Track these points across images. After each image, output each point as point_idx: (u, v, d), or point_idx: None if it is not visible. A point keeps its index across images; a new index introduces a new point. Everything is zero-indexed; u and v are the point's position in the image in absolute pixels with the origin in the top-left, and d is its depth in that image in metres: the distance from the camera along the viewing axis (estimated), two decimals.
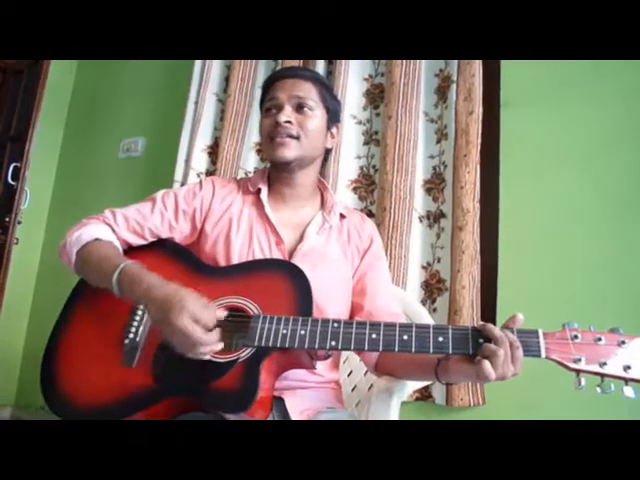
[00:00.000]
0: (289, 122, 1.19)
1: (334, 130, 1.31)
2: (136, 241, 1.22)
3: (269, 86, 1.27)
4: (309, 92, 1.23)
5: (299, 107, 1.22)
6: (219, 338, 0.98)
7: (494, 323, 0.91)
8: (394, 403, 1.21)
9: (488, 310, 1.79)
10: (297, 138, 1.20)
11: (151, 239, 1.23)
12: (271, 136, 1.21)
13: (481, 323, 0.94)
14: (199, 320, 0.95)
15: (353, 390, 1.49)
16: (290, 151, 1.20)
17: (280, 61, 2.29)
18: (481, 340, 0.91)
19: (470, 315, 1.74)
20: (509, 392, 1.66)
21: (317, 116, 1.24)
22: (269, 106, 1.23)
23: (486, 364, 0.88)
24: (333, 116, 1.29)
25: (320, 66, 2.18)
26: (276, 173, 1.28)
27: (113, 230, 1.21)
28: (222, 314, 1.01)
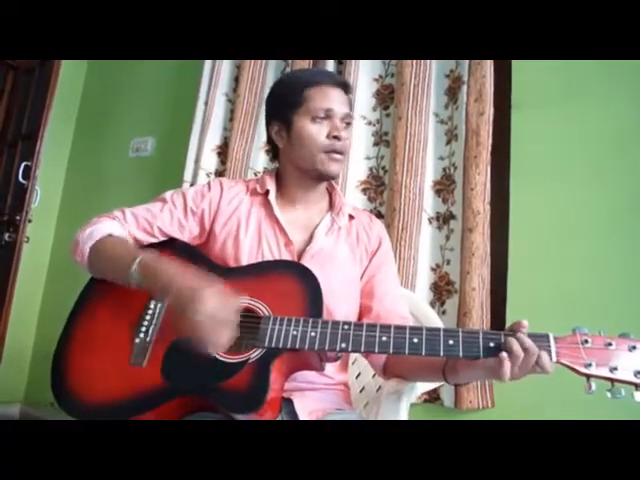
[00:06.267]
0: (346, 139, 1.20)
1: None
2: (146, 239, 1.22)
3: (312, 88, 1.22)
4: (349, 106, 1.25)
5: (344, 122, 1.21)
6: (236, 334, 0.98)
7: (504, 325, 0.91)
8: (403, 405, 1.20)
9: (498, 312, 1.79)
10: (344, 154, 1.22)
11: (161, 237, 1.23)
12: (326, 149, 1.19)
13: (511, 331, 0.93)
14: (217, 316, 0.95)
15: (361, 392, 1.49)
16: (340, 167, 1.23)
17: (290, 62, 2.29)
18: (492, 344, 0.91)
19: (480, 317, 1.73)
20: (518, 395, 1.65)
21: (351, 130, 1.26)
22: (321, 114, 1.19)
23: (507, 363, 0.88)
24: None
25: (330, 66, 2.18)
26: (295, 179, 1.26)
27: (123, 227, 1.21)
28: (243, 301, 1.00)
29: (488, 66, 1.88)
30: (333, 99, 1.21)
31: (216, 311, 0.94)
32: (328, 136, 1.18)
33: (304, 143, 1.20)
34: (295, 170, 1.26)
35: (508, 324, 0.95)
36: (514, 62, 1.97)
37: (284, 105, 1.24)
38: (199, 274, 1.02)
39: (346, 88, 1.26)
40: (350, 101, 1.26)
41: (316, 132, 1.19)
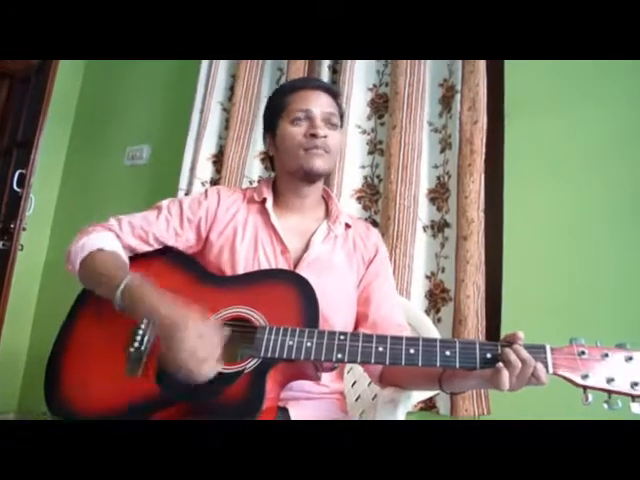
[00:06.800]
0: (325, 137, 1.20)
1: None
2: (141, 247, 1.22)
3: (292, 93, 1.26)
4: (335, 108, 1.26)
5: (327, 123, 1.23)
6: (222, 357, 0.98)
7: (499, 333, 0.91)
8: (399, 413, 1.20)
9: (493, 320, 1.79)
10: (328, 152, 1.22)
11: (156, 245, 1.23)
12: (305, 146, 1.20)
13: (507, 342, 0.93)
14: (205, 338, 0.95)
15: (357, 400, 1.49)
16: (325, 164, 1.22)
17: (285, 70, 2.30)
18: (489, 355, 0.92)
19: (475, 325, 1.73)
20: (514, 402, 1.65)
21: (339, 133, 1.26)
22: (299, 116, 1.22)
23: (504, 373, 0.88)
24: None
25: (325, 75, 2.19)
26: (288, 184, 1.27)
27: (118, 237, 1.21)
28: (227, 331, 1.00)
29: (481, 75, 1.89)
30: (311, 100, 1.23)
31: (198, 344, 0.95)
32: (306, 134, 1.20)
33: (286, 145, 1.24)
34: (286, 175, 1.27)
35: (503, 332, 0.95)
36: (507, 69, 1.98)
37: (271, 115, 1.29)
38: (180, 303, 1.01)
39: (330, 91, 1.28)
40: (336, 104, 1.27)
41: (295, 133, 1.22)
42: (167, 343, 0.97)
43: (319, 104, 1.23)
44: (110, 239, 1.20)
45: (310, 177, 1.24)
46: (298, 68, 2.23)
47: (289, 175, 1.26)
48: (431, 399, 1.79)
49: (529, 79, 1.91)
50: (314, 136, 1.19)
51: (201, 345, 0.95)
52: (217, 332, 0.98)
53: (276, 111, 1.28)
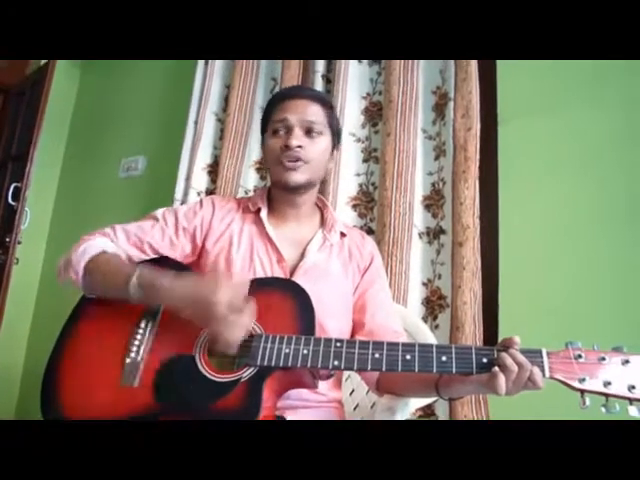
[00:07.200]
0: (300, 147, 1.19)
1: (335, 152, 1.32)
2: (137, 255, 1.22)
3: (275, 105, 1.26)
4: (318, 115, 1.23)
5: (308, 131, 1.21)
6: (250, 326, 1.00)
7: (496, 339, 0.91)
8: None
9: (490, 326, 1.79)
10: (307, 162, 1.20)
11: (151, 254, 1.23)
12: (280, 159, 1.19)
13: (503, 347, 0.93)
14: (235, 293, 0.97)
15: (355, 409, 1.48)
16: (301, 175, 1.20)
17: (279, 80, 2.31)
18: (485, 360, 0.91)
19: (472, 331, 1.73)
20: (513, 408, 1.64)
21: (325, 140, 1.25)
22: (278, 127, 1.22)
23: (501, 377, 0.88)
24: (336, 138, 1.30)
25: (318, 85, 2.19)
26: (280, 195, 1.27)
27: (114, 244, 1.21)
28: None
29: (474, 82, 1.89)
30: (289, 109, 1.22)
31: (230, 305, 0.96)
32: (281, 147, 1.20)
33: (267, 158, 1.26)
34: (273, 185, 1.28)
35: (501, 338, 0.95)
36: (499, 73, 1.98)
37: (261, 128, 1.31)
38: (197, 277, 1.04)
39: (317, 99, 1.26)
40: (323, 111, 1.26)
41: (273, 145, 1.22)
42: (197, 316, 0.99)
43: (298, 113, 1.22)
44: (109, 243, 1.20)
45: (289, 190, 1.23)
46: (292, 76, 2.24)
47: (274, 186, 1.28)
48: (430, 406, 1.78)
49: (521, 83, 1.91)
50: (288, 148, 1.18)
51: (234, 302, 0.97)
52: (244, 285, 1.00)
53: (263, 123, 1.29)
